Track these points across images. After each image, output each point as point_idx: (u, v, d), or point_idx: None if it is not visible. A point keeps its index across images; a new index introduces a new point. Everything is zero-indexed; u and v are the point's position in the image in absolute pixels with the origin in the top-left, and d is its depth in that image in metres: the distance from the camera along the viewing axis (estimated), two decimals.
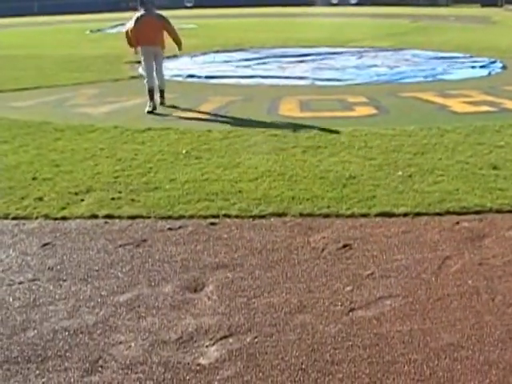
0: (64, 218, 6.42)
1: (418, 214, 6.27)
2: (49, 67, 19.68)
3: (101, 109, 12.15)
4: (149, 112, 11.83)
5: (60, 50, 25.98)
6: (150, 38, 12.25)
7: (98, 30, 40.68)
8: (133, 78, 16.49)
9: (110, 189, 7.23)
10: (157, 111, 11.83)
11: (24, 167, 8.25)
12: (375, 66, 18.54)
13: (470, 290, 4.70)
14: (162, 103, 12.49)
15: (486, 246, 5.53)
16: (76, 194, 7.09)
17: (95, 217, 6.43)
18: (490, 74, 16.75)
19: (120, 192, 7.11)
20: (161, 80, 12.64)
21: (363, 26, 40.04)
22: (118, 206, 6.67)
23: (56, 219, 6.42)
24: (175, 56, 21.30)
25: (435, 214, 6.27)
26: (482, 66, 18.06)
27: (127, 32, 12.48)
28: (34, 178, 7.74)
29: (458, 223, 6.04)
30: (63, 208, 6.67)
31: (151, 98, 12.15)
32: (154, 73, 12.42)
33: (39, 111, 12.22)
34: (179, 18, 51.84)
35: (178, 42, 12.73)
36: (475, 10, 75.89)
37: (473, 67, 18.07)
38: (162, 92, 12.69)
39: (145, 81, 12.44)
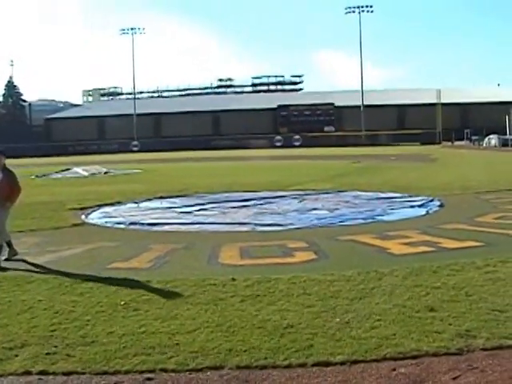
0: None
1: (355, 362, 6.21)
2: None
3: (40, 258, 11.99)
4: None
5: None
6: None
7: (44, 175, 40.92)
8: (75, 225, 16.52)
9: (46, 343, 7.03)
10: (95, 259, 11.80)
11: None
12: (316, 209, 18.97)
13: None
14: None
15: None
16: (10, 349, 6.87)
17: (29, 373, 6.21)
18: (427, 212, 17.31)
19: (56, 347, 6.91)
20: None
21: (306, 168, 41.22)
22: (52, 362, 6.47)
23: None
24: (119, 202, 21.54)
25: (372, 361, 6.22)
26: (420, 206, 18.68)
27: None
28: None
29: (394, 369, 6.00)
30: None
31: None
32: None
33: None
34: (125, 163, 52.79)
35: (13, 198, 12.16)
36: (415, 148, 78.97)
37: (411, 207, 18.64)
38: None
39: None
